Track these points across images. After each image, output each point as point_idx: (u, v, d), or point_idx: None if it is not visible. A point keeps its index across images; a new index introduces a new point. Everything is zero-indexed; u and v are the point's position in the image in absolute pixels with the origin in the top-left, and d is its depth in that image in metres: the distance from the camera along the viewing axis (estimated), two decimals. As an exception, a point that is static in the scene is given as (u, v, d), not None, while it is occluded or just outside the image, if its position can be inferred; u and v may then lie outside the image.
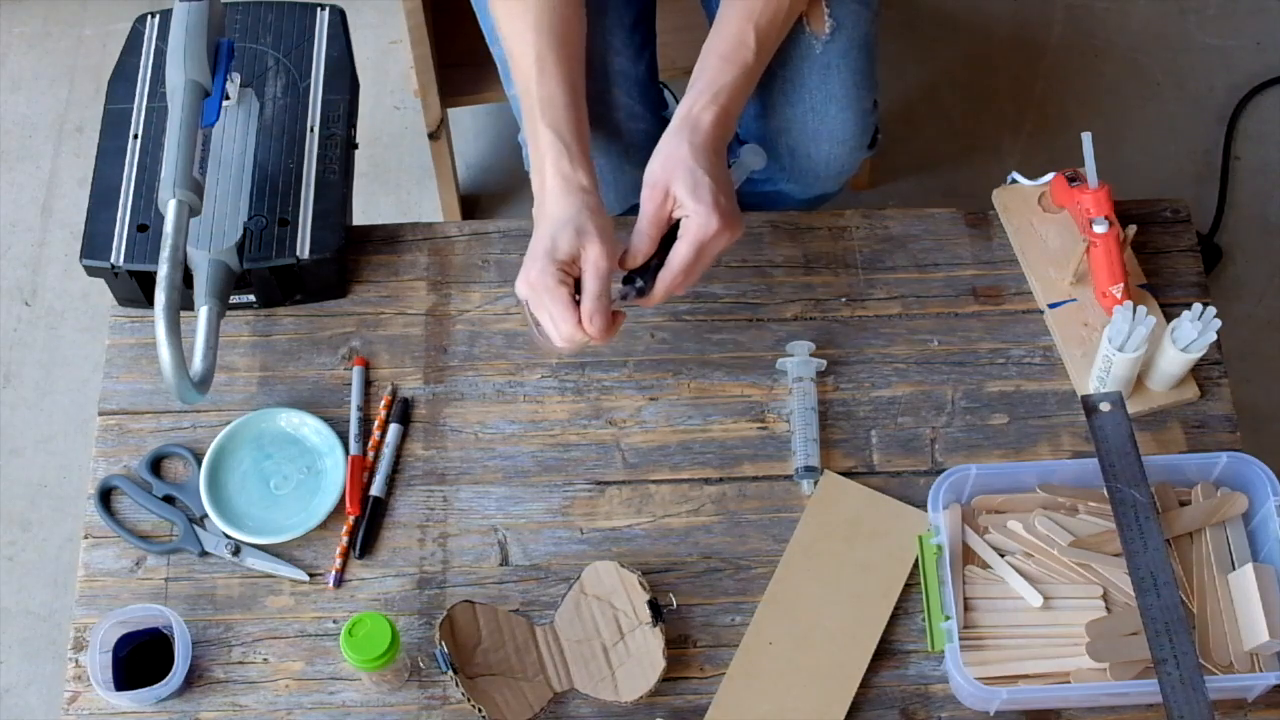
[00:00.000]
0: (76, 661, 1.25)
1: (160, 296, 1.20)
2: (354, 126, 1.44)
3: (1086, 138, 1.33)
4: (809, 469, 1.31)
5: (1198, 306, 1.29)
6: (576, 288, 1.23)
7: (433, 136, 1.92)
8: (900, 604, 1.26)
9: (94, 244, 1.34)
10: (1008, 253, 1.43)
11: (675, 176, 1.24)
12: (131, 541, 1.30)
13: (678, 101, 1.79)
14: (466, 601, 1.24)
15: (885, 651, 1.25)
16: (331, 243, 1.36)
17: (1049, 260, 1.40)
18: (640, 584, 1.24)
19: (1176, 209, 1.45)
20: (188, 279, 1.31)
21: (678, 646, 1.26)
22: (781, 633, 1.25)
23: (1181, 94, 2.21)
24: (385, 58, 2.23)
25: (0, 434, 1.97)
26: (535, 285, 1.22)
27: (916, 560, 1.26)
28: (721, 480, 1.33)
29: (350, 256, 1.42)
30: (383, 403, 1.36)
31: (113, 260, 1.33)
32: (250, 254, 1.34)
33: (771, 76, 1.47)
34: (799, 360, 1.35)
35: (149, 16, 1.46)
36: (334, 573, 1.28)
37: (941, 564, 1.23)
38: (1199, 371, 1.35)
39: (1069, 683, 1.21)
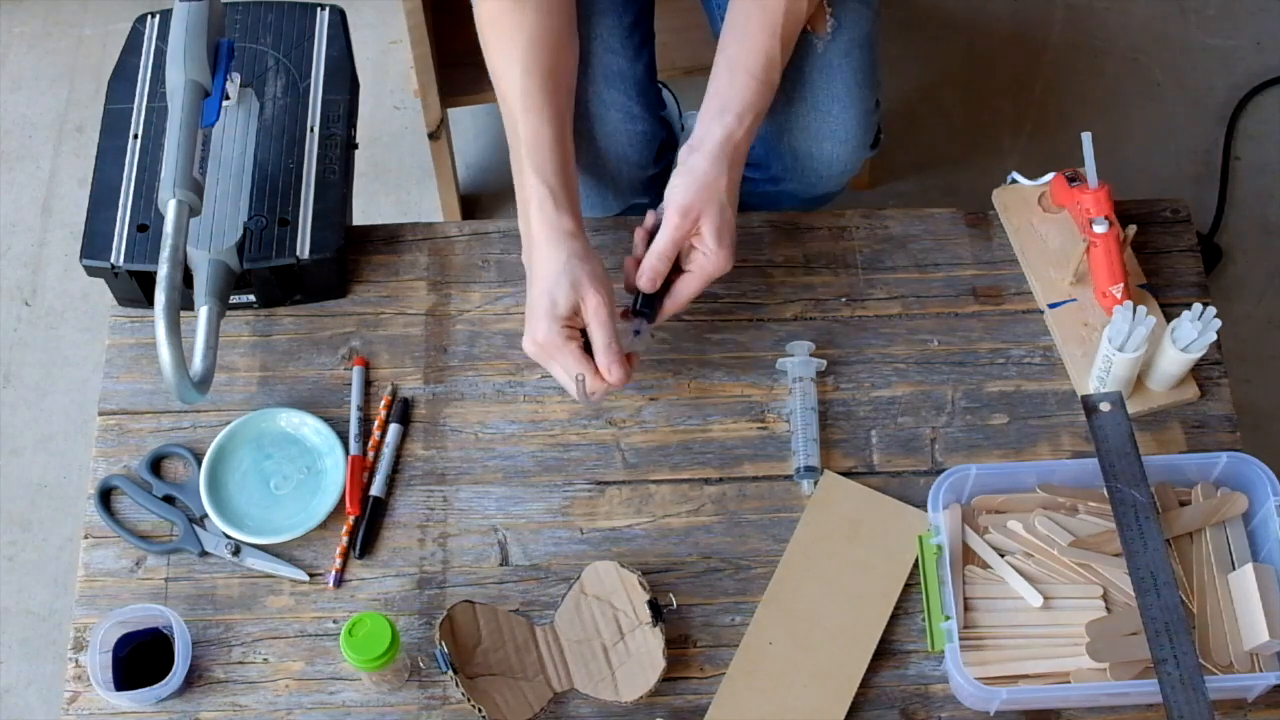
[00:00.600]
0: (76, 661, 1.25)
1: (160, 296, 1.20)
2: (354, 126, 1.44)
3: (1086, 138, 1.33)
4: (809, 469, 1.31)
5: (1198, 306, 1.29)
6: (582, 336, 1.25)
7: (433, 136, 1.92)
8: (900, 604, 1.26)
9: (94, 244, 1.34)
10: (1008, 253, 1.43)
11: (707, 211, 1.26)
12: (131, 541, 1.30)
13: (677, 101, 1.80)
14: (467, 601, 1.24)
15: (885, 651, 1.25)
16: (331, 243, 1.36)
17: (1049, 260, 1.40)
18: (640, 584, 1.24)
19: (1176, 209, 1.45)
20: (188, 279, 1.31)
21: (677, 646, 1.26)
22: (781, 633, 1.25)
23: (1181, 94, 2.21)
24: (385, 58, 2.23)
25: (0, 434, 1.97)
26: (545, 346, 1.24)
27: (916, 560, 1.26)
28: (721, 480, 1.33)
29: (350, 256, 1.42)
30: (383, 403, 1.36)
31: (113, 260, 1.33)
32: (250, 254, 1.34)
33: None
34: (799, 360, 1.35)
35: (149, 16, 1.46)
36: (334, 573, 1.28)
37: (941, 564, 1.23)
38: (1199, 371, 1.35)
39: (1069, 683, 1.21)
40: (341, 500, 1.30)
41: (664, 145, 1.54)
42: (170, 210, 1.24)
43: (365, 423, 1.34)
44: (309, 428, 1.34)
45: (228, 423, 1.33)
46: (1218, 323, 1.28)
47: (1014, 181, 1.43)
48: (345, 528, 1.30)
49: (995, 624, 1.23)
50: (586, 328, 1.25)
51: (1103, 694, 1.21)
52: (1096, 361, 1.31)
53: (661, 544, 1.30)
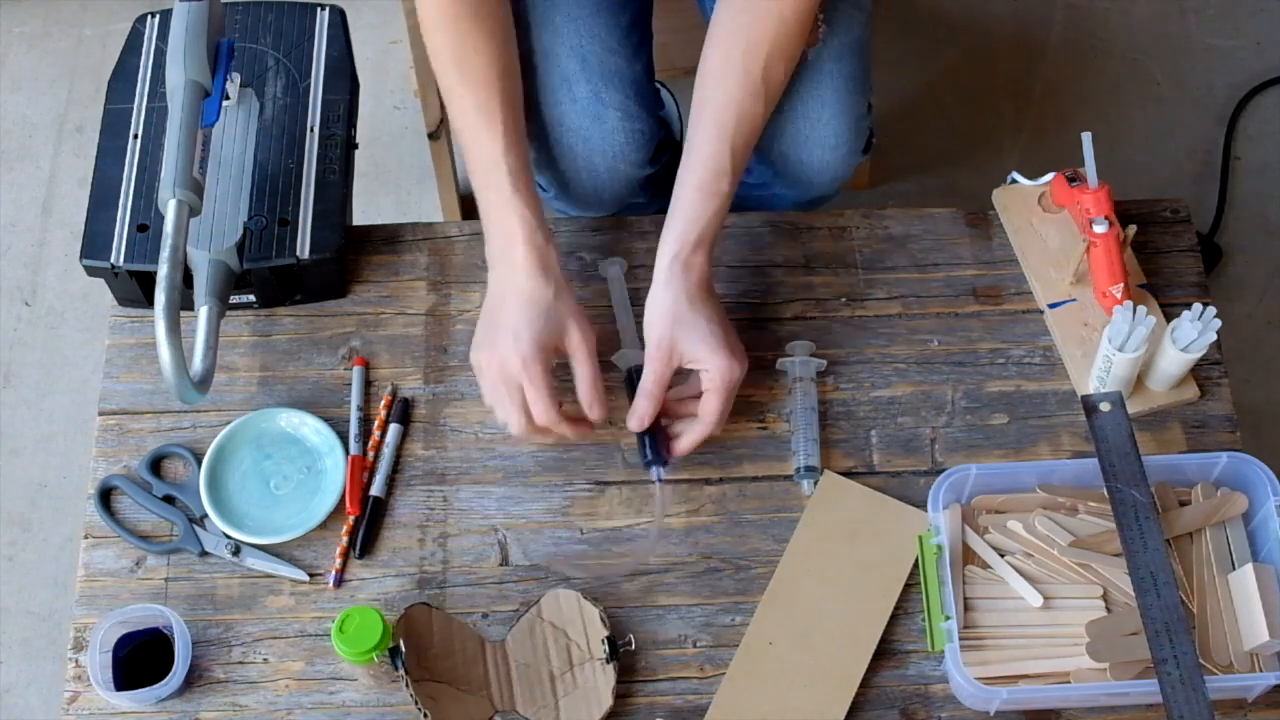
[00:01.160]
0: (76, 661, 1.25)
1: (160, 296, 1.20)
2: (354, 126, 1.44)
3: (1086, 138, 1.33)
4: (809, 469, 1.31)
5: (1198, 306, 1.29)
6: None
7: (433, 136, 1.92)
8: (900, 604, 1.26)
9: (94, 244, 1.34)
10: (1008, 253, 1.43)
11: (680, 336, 1.26)
12: (131, 541, 1.30)
13: (675, 101, 1.80)
14: (424, 604, 1.24)
15: (885, 651, 1.25)
16: (331, 243, 1.36)
17: (1049, 260, 1.40)
18: (601, 619, 1.23)
19: (1176, 209, 1.45)
20: (188, 279, 1.31)
21: (676, 646, 1.26)
22: (781, 633, 1.25)
23: (1181, 94, 2.20)
24: (385, 58, 2.23)
25: (0, 434, 1.97)
26: (527, 369, 1.23)
27: (916, 560, 1.26)
28: (721, 480, 1.33)
29: (350, 256, 1.42)
30: (383, 403, 1.36)
31: (113, 260, 1.33)
32: (250, 254, 1.34)
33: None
34: (799, 360, 1.35)
35: (149, 16, 1.46)
36: (334, 573, 1.28)
37: (941, 564, 1.23)
38: (1199, 371, 1.35)
39: (1069, 683, 1.21)
40: (341, 500, 1.30)
41: (662, 145, 1.54)
42: (170, 210, 1.24)
43: (365, 423, 1.34)
44: (309, 428, 1.34)
45: (228, 423, 1.33)
46: (1218, 323, 1.28)
47: (1014, 181, 1.43)
48: (345, 528, 1.30)
49: (995, 624, 1.23)
50: (571, 361, 1.27)
51: (1103, 694, 1.21)
52: (1096, 361, 1.31)
53: (661, 544, 1.30)
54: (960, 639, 1.20)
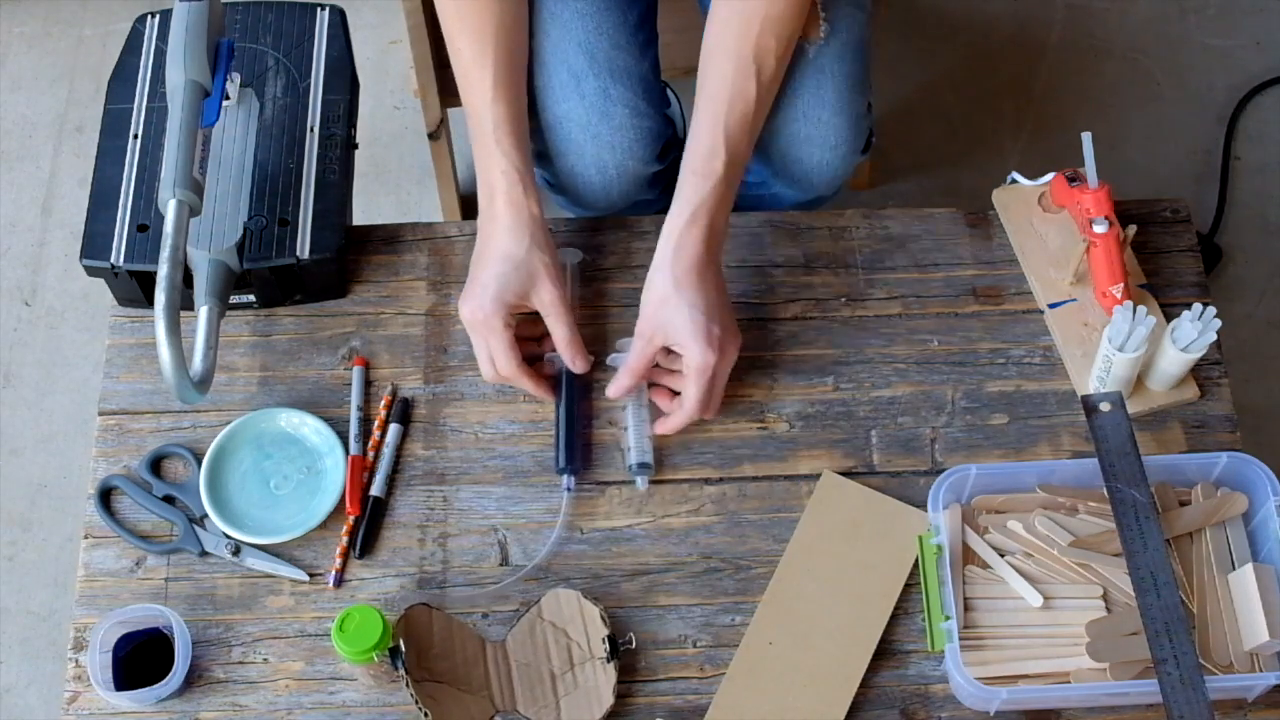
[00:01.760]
0: (76, 661, 1.25)
1: (160, 296, 1.20)
2: (354, 126, 1.44)
3: (1086, 138, 1.33)
4: (643, 465, 1.31)
5: (1198, 306, 1.29)
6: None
7: (433, 136, 1.92)
8: (900, 604, 1.26)
9: (94, 244, 1.34)
10: (1008, 253, 1.43)
11: (663, 318, 1.28)
12: (131, 541, 1.30)
13: (679, 100, 1.80)
14: (423, 605, 1.24)
15: (885, 651, 1.25)
16: (331, 243, 1.36)
17: (1049, 260, 1.40)
18: (601, 618, 1.24)
19: (1176, 209, 1.45)
20: (188, 279, 1.31)
21: (676, 646, 1.26)
22: (781, 633, 1.25)
23: (1181, 94, 2.20)
24: (385, 58, 2.23)
25: (0, 434, 1.97)
26: (488, 322, 1.28)
27: (916, 560, 1.26)
28: (721, 480, 1.33)
29: (350, 256, 1.42)
30: (383, 403, 1.36)
31: (113, 260, 1.33)
32: (250, 254, 1.34)
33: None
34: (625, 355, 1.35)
35: (149, 16, 1.46)
36: (334, 573, 1.28)
37: (941, 564, 1.23)
38: (1199, 371, 1.35)
39: (1069, 683, 1.21)
40: (341, 500, 1.30)
41: (669, 143, 1.54)
42: (170, 210, 1.24)
43: (365, 423, 1.34)
44: (309, 428, 1.34)
45: (228, 423, 1.33)
46: (1218, 323, 1.28)
47: (1014, 181, 1.43)
48: (345, 528, 1.30)
49: (995, 624, 1.23)
50: (545, 319, 1.31)
51: (1103, 694, 1.21)
52: (1096, 361, 1.31)
53: (661, 544, 1.30)
54: (960, 639, 1.20)
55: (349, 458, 1.32)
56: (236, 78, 1.40)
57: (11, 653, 1.84)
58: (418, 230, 1.45)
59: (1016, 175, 1.43)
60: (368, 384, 1.37)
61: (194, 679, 1.25)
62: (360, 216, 1.55)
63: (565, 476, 1.31)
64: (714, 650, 1.26)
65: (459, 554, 1.30)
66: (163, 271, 1.21)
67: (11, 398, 2.00)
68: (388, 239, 1.44)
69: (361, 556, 1.29)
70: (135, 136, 1.40)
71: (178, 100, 1.28)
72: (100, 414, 1.36)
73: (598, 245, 1.43)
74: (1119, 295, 1.32)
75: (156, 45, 1.44)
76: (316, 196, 1.38)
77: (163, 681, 1.20)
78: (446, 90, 1.84)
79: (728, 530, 1.30)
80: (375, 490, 1.31)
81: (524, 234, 1.29)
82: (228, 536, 1.29)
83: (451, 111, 1.93)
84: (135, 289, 1.36)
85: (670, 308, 1.27)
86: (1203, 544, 1.25)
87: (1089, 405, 1.25)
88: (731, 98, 1.30)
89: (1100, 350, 1.30)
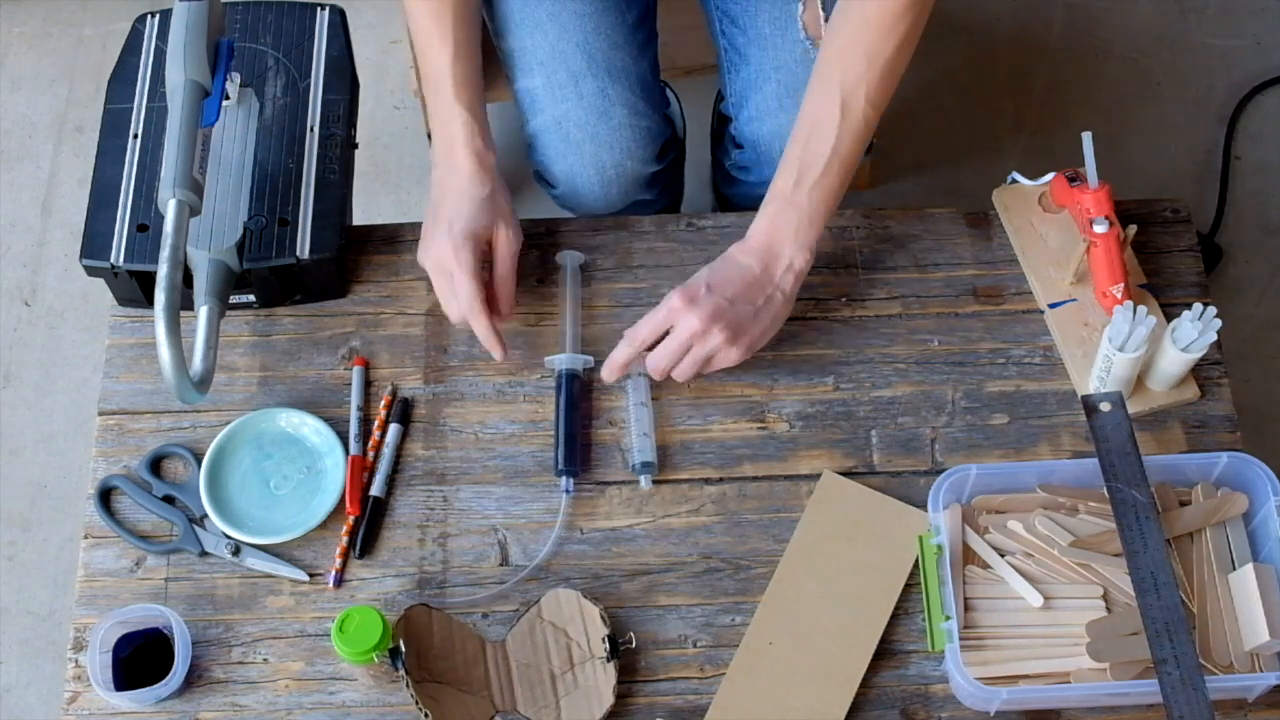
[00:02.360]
0: (76, 661, 1.25)
1: (160, 296, 1.20)
2: (354, 126, 1.44)
3: (1086, 138, 1.33)
4: (645, 465, 1.31)
5: (1198, 306, 1.29)
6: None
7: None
8: (900, 604, 1.26)
9: (94, 244, 1.34)
10: (1008, 253, 1.43)
11: (695, 281, 1.31)
12: (131, 541, 1.30)
13: (678, 100, 1.80)
14: (424, 605, 1.23)
15: (885, 651, 1.25)
16: (331, 243, 1.36)
17: (1049, 260, 1.40)
18: (601, 618, 1.24)
19: (1176, 209, 1.45)
20: (188, 279, 1.31)
21: (676, 646, 1.26)
22: (781, 633, 1.25)
23: (1181, 94, 2.20)
24: (385, 58, 2.23)
25: (0, 434, 1.97)
26: (458, 254, 1.30)
27: (916, 560, 1.26)
28: (721, 480, 1.33)
29: (350, 256, 1.42)
30: (383, 403, 1.36)
31: (113, 260, 1.33)
32: (250, 254, 1.34)
33: (766, 80, 1.48)
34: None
35: (149, 16, 1.46)
36: (334, 573, 1.28)
37: (941, 564, 1.23)
38: (1199, 371, 1.35)
39: (1069, 683, 1.21)
40: (341, 500, 1.30)
41: (668, 143, 1.54)
42: (170, 210, 1.24)
43: (365, 423, 1.34)
44: (309, 428, 1.34)
45: (228, 423, 1.33)
46: (1218, 323, 1.28)
47: (1014, 181, 1.43)
48: (345, 528, 1.30)
49: (995, 624, 1.23)
50: (492, 257, 1.34)
51: (1103, 694, 1.21)
52: (1097, 361, 1.31)
53: (661, 544, 1.30)
54: (960, 639, 1.20)
55: (349, 458, 1.32)
56: (236, 78, 1.40)
57: (11, 653, 1.84)
58: (418, 230, 1.45)
59: (1016, 175, 1.43)
60: (368, 384, 1.37)
61: (194, 679, 1.25)
62: (360, 216, 1.55)
63: (564, 479, 1.31)
64: (714, 650, 1.26)
65: (459, 554, 1.30)
66: (163, 271, 1.21)
67: (11, 398, 2.00)
68: (388, 239, 1.44)
69: (361, 556, 1.29)
70: (135, 136, 1.40)
71: (178, 100, 1.28)
72: (100, 414, 1.36)
73: (597, 245, 1.43)
74: (1119, 295, 1.32)
75: (156, 45, 1.44)
76: (316, 196, 1.38)
77: (163, 681, 1.20)
78: (446, 90, 1.84)
79: (728, 530, 1.30)
80: (375, 490, 1.31)
81: (485, 180, 1.34)
82: (228, 536, 1.29)
83: (451, 111, 1.92)
84: (135, 289, 1.36)
85: (713, 271, 1.30)
86: (1203, 544, 1.25)
87: (1089, 405, 1.25)
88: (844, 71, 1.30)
89: (1100, 350, 1.30)
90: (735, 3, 1.50)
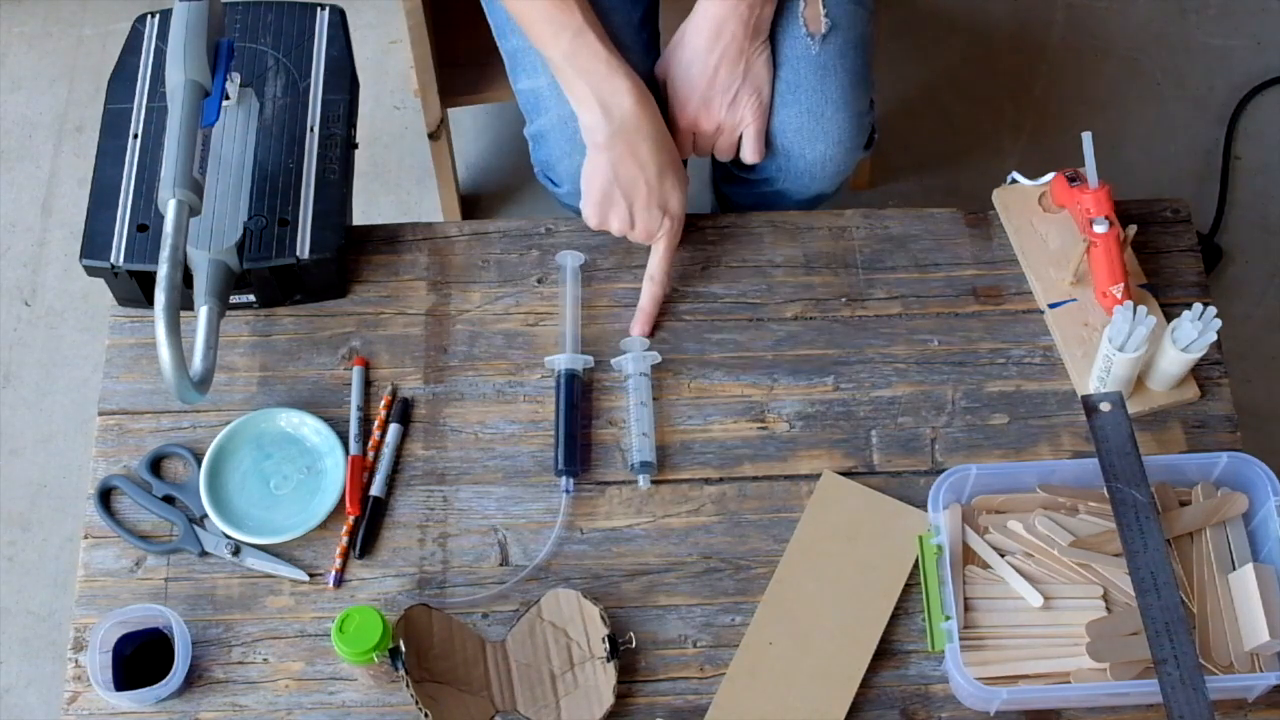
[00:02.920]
0: (76, 661, 1.25)
1: (160, 296, 1.20)
2: (354, 126, 1.44)
3: (1086, 138, 1.33)
4: (644, 464, 1.31)
5: (1198, 306, 1.29)
6: None
7: (433, 136, 1.92)
8: (900, 604, 1.26)
9: (94, 244, 1.34)
10: (1008, 253, 1.43)
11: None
12: (131, 541, 1.30)
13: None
14: (424, 605, 1.24)
15: (885, 651, 1.25)
16: (331, 243, 1.36)
17: (1049, 260, 1.40)
18: (601, 618, 1.23)
19: (1176, 209, 1.45)
20: (188, 279, 1.31)
21: (676, 646, 1.26)
22: (781, 633, 1.25)
23: (1181, 94, 2.21)
24: (385, 58, 2.23)
25: (0, 434, 1.97)
26: (682, 216, 1.38)
27: (916, 560, 1.26)
28: (721, 480, 1.33)
29: (350, 256, 1.42)
30: (383, 403, 1.36)
31: (113, 260, 1.33)
32: (250, 254, 1.34)
33: (768, 77, 1.48)
34: (632, 357, 1.35)
35: (149, 16, 1.46)
36: (334, 573, 1.28)
37: (941, 564, 1.23)
38: (1199, 371, 1.35)
39: (1069, 683, 1.21)
40: (341, 500, 1.30)
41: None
42: (170, 210, 1.24)
43: (365, 423, 1.34)
44: (309, 428, 1.34)
45: (228, 423, 1.33)
46: (1218, 323, 1.28)
47: (1014, 181, 1.43)
48: (345, 528, 1.30)
49: (995, 624, 1.23)
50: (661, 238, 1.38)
51: (1103, 694, 1.21)
52: (1097, 361, 1.31)
53: (661, 544, 1.30)
54: (960, 639, 1.20)
55: (349, 458, 1.32)
56: (236, 78, 1.40)
57: (11, 653, 1.84)
58: (418, 230, 1.45)
59: (1016, 175, 1.43)
60: (368, 384, 1.37)
61: (194, 679, 1.25)
62: (360, 216, 1.55)
63: (564, 479, 1.31)
64: (714, 650, 1.26)
65: (459, 554, 1.30)
66: (163, 271, 1.21)
67: (11, 398, 2.00)
68: (388, 239, 1.44)
69: (361, 556, 1.29)
70: (135, 136, 1.40)
71: (178, 100, 1.28)
72: (100, 414, 1.36)
73: (598, 245, 1.43)
74: (1119, 295, 1.32)
75: (156, 45, 1.44)
76: (316, 196, 1.38)
77: (163, 681, 1.20)
78: (446, 90, 1.84)
79: (728, 530, 1.30)
80: (375, 490, 1.31)
81: (668, 141, 1.37)
82: (228, 536, 1.29)
83: (451, 112, 1.93)
84: (135, 289, 1.36)
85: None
86: (1203, 544, 1.25)
87: (1089, 405, 1.25)
88: None
89: (1100, 350, 1.30)
90: (737, 1, 1.50)
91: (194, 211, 1.26)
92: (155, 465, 1.33)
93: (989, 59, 2.23)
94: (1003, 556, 1.25)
